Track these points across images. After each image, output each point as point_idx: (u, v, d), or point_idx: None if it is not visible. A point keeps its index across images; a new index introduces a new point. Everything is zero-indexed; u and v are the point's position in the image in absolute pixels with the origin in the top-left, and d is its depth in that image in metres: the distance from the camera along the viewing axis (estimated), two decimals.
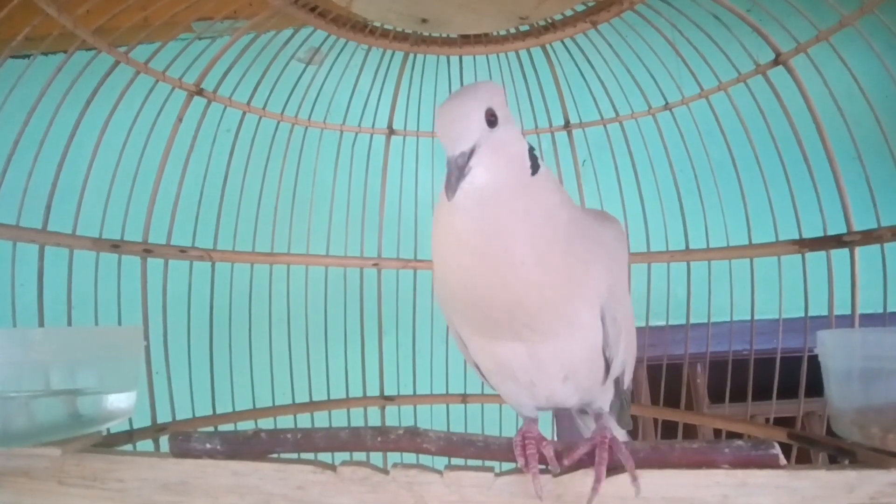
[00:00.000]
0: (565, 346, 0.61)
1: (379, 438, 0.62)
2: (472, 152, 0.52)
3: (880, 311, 0.83)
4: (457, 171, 0.51)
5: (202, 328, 1.05)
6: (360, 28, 1.11)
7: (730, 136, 1.03)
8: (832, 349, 0.66)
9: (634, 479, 0.54)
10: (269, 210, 1.16)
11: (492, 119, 0.54)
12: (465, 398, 1.24)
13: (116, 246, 0.94)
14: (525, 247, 0.54)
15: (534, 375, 0.63)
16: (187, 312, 1.04)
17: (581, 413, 0.80)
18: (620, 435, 0.78)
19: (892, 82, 0.80)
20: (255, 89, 1.12)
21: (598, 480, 0.55)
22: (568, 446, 0.59)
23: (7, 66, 0.78)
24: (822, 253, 0.91)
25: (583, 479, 0.56)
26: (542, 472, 0.57)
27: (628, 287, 0.71)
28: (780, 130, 0.95)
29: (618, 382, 0.73)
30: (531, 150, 0.59)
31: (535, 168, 0.58)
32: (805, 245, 0.93)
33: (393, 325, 1.26)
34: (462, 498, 0.57)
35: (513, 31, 1.13)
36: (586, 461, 0.57)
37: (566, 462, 0.57)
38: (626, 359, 0.70)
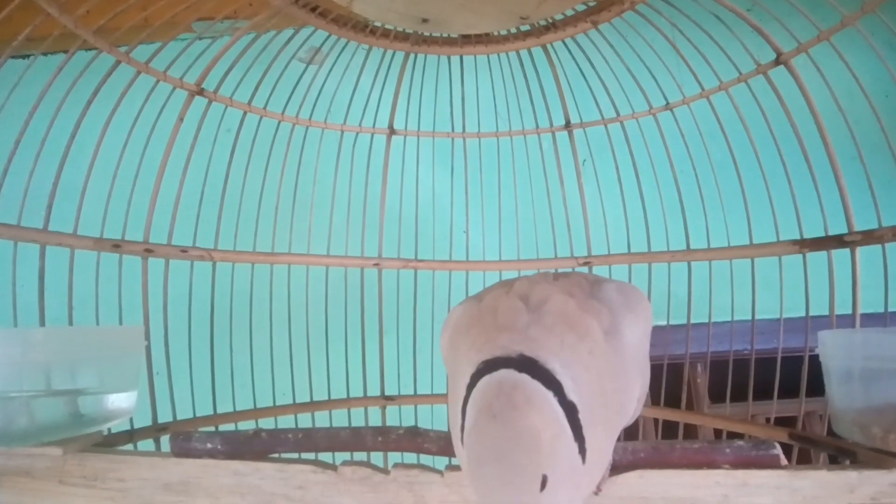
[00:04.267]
0: None
1: (380, 438, 0.62)
2: None
3: (881, 310, 0.83)
4: None
5: (203, 328, 1.05)
6: (361, 28, 1.11)
7: (731, 136, 1.03)
8: (833, 349, 0.66)
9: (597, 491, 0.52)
10: (270, 210, 1.16)
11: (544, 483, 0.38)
12: None
13: (117, 246, 0.94)
14: None
15: None
16: (188, 312, 1.04)
17: None
18: None
19: (894, 82, 0.80)
20: (256, 89, 1.12)
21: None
22: None
23: (7, 66, 0.78)
24: (823, 253, 0.91)
25: None
26: None
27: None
28: (780, 130, 0.95)
29: None
30: (576, 433, 0.41)
31: (583, 454, 0.41)
32: (806, 245, 0.93)
33: (394, 324, 1.26)
34: (463, 498, 0.57)
35: (513, 30, 1.13)
36: None
37: None
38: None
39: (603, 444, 0.44)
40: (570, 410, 0.40)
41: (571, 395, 0.41)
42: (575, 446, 0.40)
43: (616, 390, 0.45)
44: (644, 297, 0.58)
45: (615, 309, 0.49)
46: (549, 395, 0.40)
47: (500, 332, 0.44)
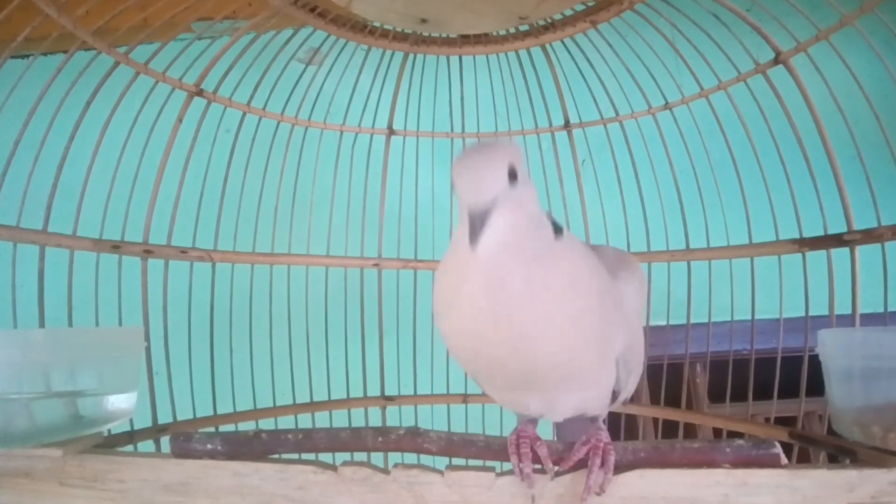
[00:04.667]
0: (578, 396, 0.60)
1: (380, 438, 0.62)
2: (493, 207, 0.49)
3: (881, 310, 0.83)
4: (479, 220, 0.48)
5: (203, 328, 1.05)
6: (360, 28, 1.11)
7: (730, 136, 1.03)
8: (833, 349, 0.67)
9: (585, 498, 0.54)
10: (270, 210, 1.16)
11: (513, 176, 0.52)
12: (465, 398, 1.24)
13: (117, 247, 0.94)
14: (543, 314, 0.52)
15: (545, 410, 0.62)
16: (188, 313, 1.04)
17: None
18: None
19: (892, 81, 0.80)
20: (255, 90, 1.12)
21: (586, 491, 0.55)
22: (563, 447, 0.59)
23: (7, 66, 0.78)
24: (823, 252, 0.91)
25: (584, 479, 0.56)
26: (538, 471, 0.57)
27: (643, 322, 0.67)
28: (780, 130, 0.95)
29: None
30: (549, 214, 0.56)
31: (557, 232, 0.55)
32: (805, 244, 0.93)
33: (393, 325, 1.26)
34: (463, 498, 0.57)
35: (512, 30, 1.13)
36: (585, 460, 0.57)
37: (562, 467, 0.57)
38: (632, 388, 0.69)
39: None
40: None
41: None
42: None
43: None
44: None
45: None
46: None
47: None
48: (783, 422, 0.94)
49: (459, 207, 0.52)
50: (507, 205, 0.50)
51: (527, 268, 0.51)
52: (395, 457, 0.65)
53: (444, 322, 0.55)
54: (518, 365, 0.53)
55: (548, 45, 1.13)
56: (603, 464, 0.56)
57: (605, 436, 0.59)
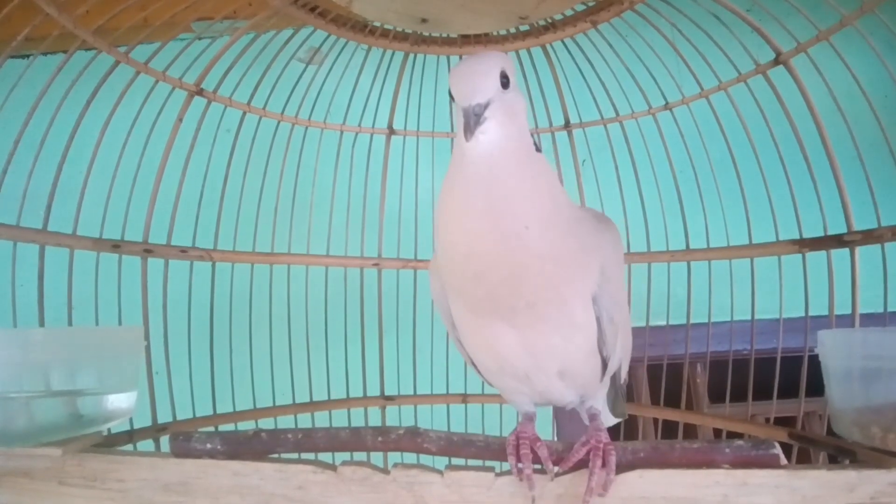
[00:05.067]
0: (559, 341, 0.62)
1: (379, 438, 0.62)
2: (486, 106, 0.54)
3: (881, 310, 0.83)
4: (474, 117, 0.53)
5: (202, 328, 1.05)
6: (360, 28, 1.11)
7: (730, 136, 1.03)
8: (832, 349, 0.66)
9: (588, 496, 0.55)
10: (270, 210, 1.16)
11: (505, 82, 0.57)
12: (465, 398, 1.24)
13: (117, 246, 0.94)
14: (531, 212, 0.55)
15: (529, 368, 0.63)
16: (188, 312, 1.04)
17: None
18: (610, 420, 0.81)
19: (893, 82, 0.80)
20: (256, 89, 1.12)
21: (588, 492, 0.55)
22: (563, 447, 0.59)
23: (7, 66, 0.78)
24: (823, 253, 0.91)
25: (584, 479, 0.56)
26: (538, 472, 0.57)
27: (625, 288, 0.71)
28: (780, 130, 0.95)
29: (614, 378, 0.73)
30: (531, 132, 0.61)
31: (538, 150, 0.60)
32: (805, 245, 0.93)
33: (393, 324, 1.26)
34: (462, 498, 0.57)
35: (513, 30, 1.13)
36: (585, 461, 0.57)
37: (562, 468, 0.57)
38: (622, 357, 0.70)
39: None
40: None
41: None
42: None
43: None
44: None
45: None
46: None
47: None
48: (783, 422, 0.94)
49: (456, 112, 0.56)
50: (499, 106, 0.55)
51: (517, 166, 0.55)
52: (394, 457, 0.65)
53: (441, 215, 0.58)
54: (503, 260, 0.56)
55: (548, 45, 1.13)
56: (604, 464, 0.56)
57: (604, 436, 0.59)
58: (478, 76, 0.55)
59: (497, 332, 0.61)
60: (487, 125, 0.53)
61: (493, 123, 0.54)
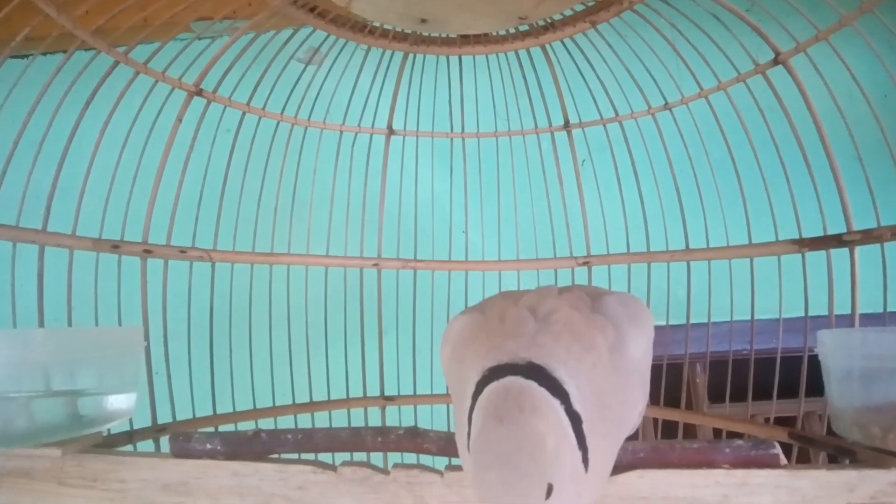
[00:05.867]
0: None
1: (379, 438, 0.62)
2: None
3: (880, 310, 0.83)
4: None
5: (202, 328, 1.05)
6: (360, 28, 1.11)
7: (729, 136, 1.03)
8: (832, 349, 0.66)
9: None
10: (269, 210, 1.16)
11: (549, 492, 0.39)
12: None
13: (116, 246, 0.94)
14: None
15: None
16: (187, 313, 1.04)
17: None
18: None
19: (892, 82, 0.80)
20: (255, 89, 1.12)
21: None
22: None
23: (6, 66, 0.78)
24: (822, 252, 0.91)
25: None
26: None
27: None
28: (779, 130, 0.95)
29: None
30: (579, 442, 0.41)
31: (585, 463, 0.41)
32: (805, 245, 0.93)
33: (393, 325, 1.26)
34: (463, 498, 0.57)
35: (512, 31, 1.13)
36: None
37: None
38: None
39: (605, 455, 0.44)
40: (575, 420, 0.40)
41: (577, 404, 0.40)
42: (579, 455, 0.40)
43: (619, 404, 0.46)
44: (645, 307, 0.57)
45: (619, 324, 0.49)
46: (556, 403, 0.40)
47: (508, 339, 0.44)
48: (783, 422, 0.94)
49: None
50: None
51: None
52: (394, 457, 0.65)
53: None
54: None
55: (548, 46, 1.13)
56: None
57: None
58: (518, 499, 0.37)
59: None
60: None
61: None
